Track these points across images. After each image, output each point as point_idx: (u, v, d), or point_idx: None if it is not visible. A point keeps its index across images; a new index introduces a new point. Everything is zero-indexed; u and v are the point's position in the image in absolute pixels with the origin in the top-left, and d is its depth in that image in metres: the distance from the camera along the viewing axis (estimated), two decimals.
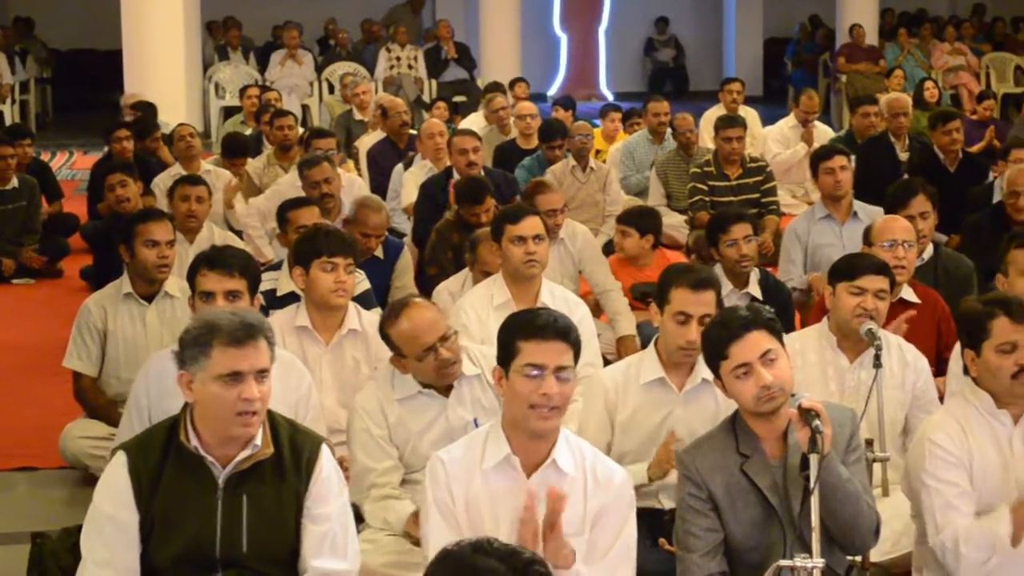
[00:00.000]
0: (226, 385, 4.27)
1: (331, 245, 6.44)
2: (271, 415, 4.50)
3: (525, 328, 4.38)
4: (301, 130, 13.79)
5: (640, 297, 8.60)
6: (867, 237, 7.08)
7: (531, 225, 6.91)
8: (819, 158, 9.09)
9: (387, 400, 5.60)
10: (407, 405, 5.59)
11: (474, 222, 8.70)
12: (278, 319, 6.53)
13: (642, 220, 9.18)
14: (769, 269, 8.10)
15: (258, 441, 4.40)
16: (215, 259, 5.88)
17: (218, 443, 4.38)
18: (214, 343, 4.28)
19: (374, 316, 6.75)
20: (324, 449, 4.55)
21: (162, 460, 4.39)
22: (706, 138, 13.78)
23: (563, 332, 4.36)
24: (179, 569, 4.38)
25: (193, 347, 4.31)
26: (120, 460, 4.40)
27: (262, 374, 4.35)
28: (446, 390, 5.61)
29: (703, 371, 5.62)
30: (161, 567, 4.38)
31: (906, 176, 10.83)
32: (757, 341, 4.55)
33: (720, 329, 4.63)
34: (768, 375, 4.51)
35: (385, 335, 5.61)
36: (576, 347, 4.40)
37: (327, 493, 4.50)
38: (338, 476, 4.58)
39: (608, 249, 9.80)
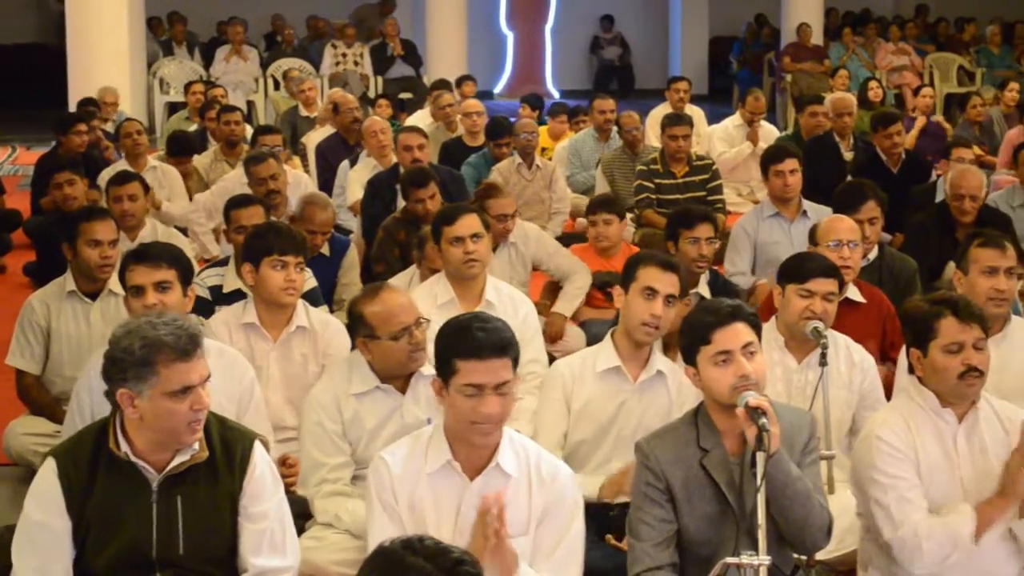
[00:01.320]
0: (178, 399, 4.24)
1: (283, 243, 6.39)
2: None
3: (461, 347, 4.33)
4: (248, 128, 13.74)
5: (601, 287, 8.62)
6: (812, 237, 7.11)
7: (467, 224, 6.86)
8: (770, 160, 9.11)
9: (343, 394, 5.57)
10: (363, 400, 5.57)
11: (420, 211, 8.73)
12: (224, 315, 6.51)
13: (615, 206, 9.15)
14: (715, 268, 8.10)
15: (195, 447, 4.38)
16: (141, 253, 5.88)
17: (153, 450, 4.35)
18: (160, 359, 4.23)
19: (322, 313, 6.77)
20: (257, 446, 4.53)
21: (93, 465, 4.36)
22: (652, 136, 13.80)
23: (500, 348, 4.33)
24: (116, 573, 4.36)
25: (137, 366, 4.23)
26: (50, 466, 4.37)
27: (207, 381, 4.34)
28: (403, 386, 5.59)
29: (658, 363, 5.71)
30: (98, 572, 4.35)
31: (850, 176, 10.91)
32: (741, 332, 4.58)
33: (707, 314, 4.63)
34: (748, 365, 4.53)
35: (358, 315, 5.56)
36: (516, 356, 4.38)
37: (262, 491, 4.48)
38: (272, 473, 4.56)
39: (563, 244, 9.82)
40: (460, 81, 17.06)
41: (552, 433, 5.69)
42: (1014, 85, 15.98)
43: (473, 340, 4.31)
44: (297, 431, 6.16)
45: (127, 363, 4.24)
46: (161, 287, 5.75)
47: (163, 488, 4.37)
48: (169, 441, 4.33)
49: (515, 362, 4.38)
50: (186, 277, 5.91)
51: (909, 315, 5.01)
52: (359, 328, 5.55)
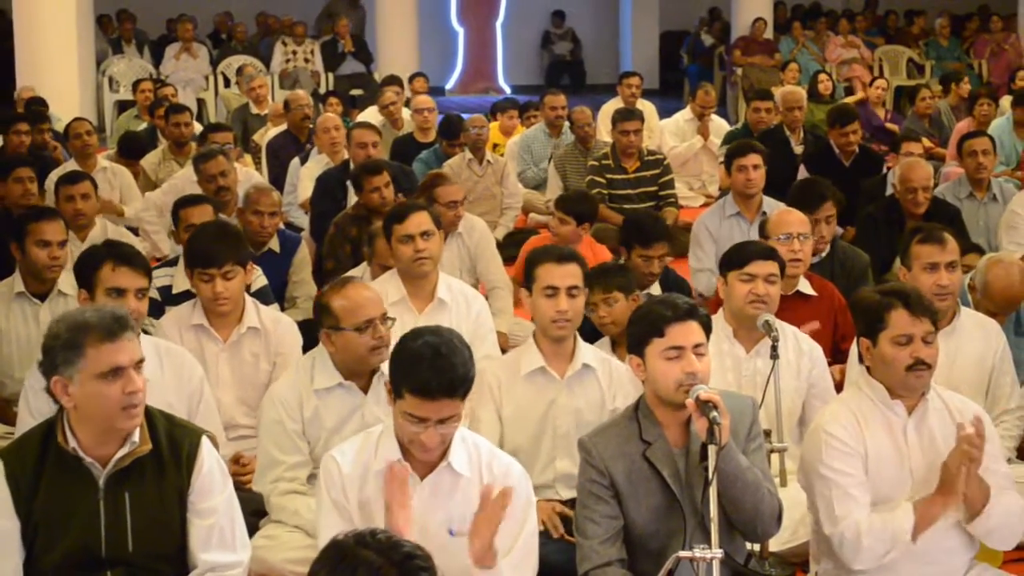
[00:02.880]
0: (108, 381, 4.22)
1: (205, 257, 6.32)
2: (147, 410, 4.46)
3: (412, 380, 4.28)
4: (198, 126, 13.68)
5: None
6: (763, 231, 7.15)
7: (418, 222, 6.83)
8: (734, 154, 9.10)
9: (305, 391, 5.54)
10: (325, 398, 5.54)
11: (376, 200, 8.75)
12: (174, 316, 6.48)
13: (580, 206, 9.06)
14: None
15: (136, 438, 4.36)
16: (128, 255, 5.83)
17: (97, 443, 4.33)
18: (87, 342, 4.21)
19: (274, 311, 6.73)
20: (204, 442, 4.51)
21: (40, 464, 4.34)
22: (604, 132, 13.81)
23: (450, 390, 4.28)
24: (66, 572, 4.34)
25: (65, 350, 4.23)
26: None
27: (139, 365, 4.31)
28: (365, 386, 5.57)
29: (583, 356, 5.70)
30: (47, 571, 4.33)
31: (802, 168, 10.94)
32: (695, 330, 4.59)
33: (663, 307, 4.63)
34: (697, 364, 4.53)
35: (325, 305, 5.52)
36: (467, 391, 4.34)
37: (210, 487, 4.47)
38: (221, 469, 4.55)
39: (510, 240, 9.83)
40: (412, 78, 17.02)
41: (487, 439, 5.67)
42: (965, 79, 16.11)
43: (423, 379, 4.26)
44: (249, 430, 6.15)
45: (56, 349, 4.24)
46: (140, 293, 5.76)
47: (110, 485, 4.35)
48: (108, 429, 4.30)
49: (465, 394, 4.35)
50: (149, 284, 5.94)
51: (860, 305, 5.03)
52: (324, 319, 5.52)
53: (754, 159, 8.93)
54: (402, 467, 4.34)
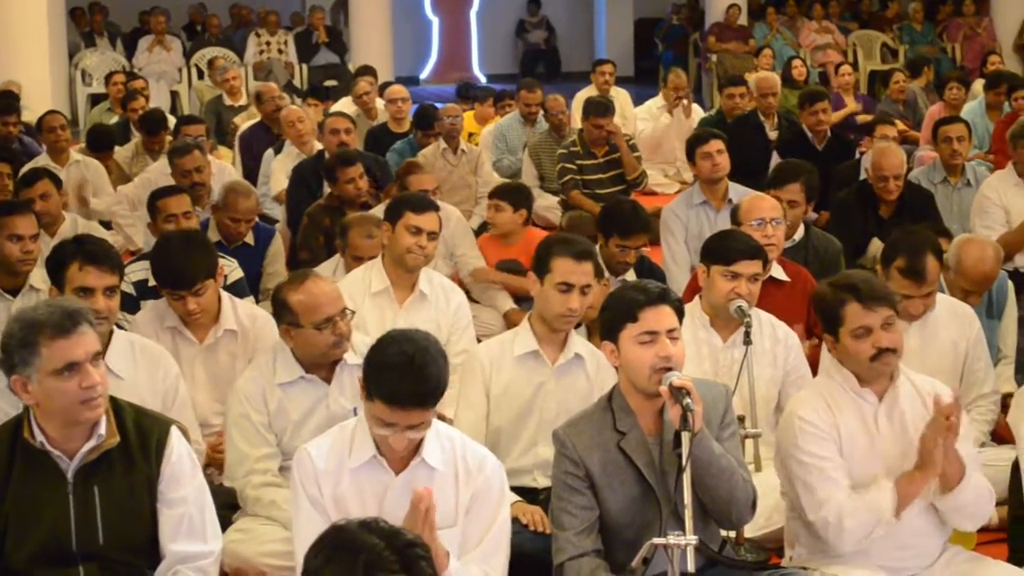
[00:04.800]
0: (65, 377, 4.20)
1: (174, 279, 6.19)
2: (115, 402, 4.45)
3: (383, 388, 4.26)
4: (172, 118, 13.65)
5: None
6: (735, 217, 7.13)
7: (431, 220, 6.87)
8: (695, 143, 9.09)
9: (269, 385, 5.53)
10: (288, 390, 5.52)
11: (351, 191, 8.77)
12: (147, 316, 6.42)
13: (515, 195, 9.14)
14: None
15: (102, 431, 4.35)
16: (95, 253, 5.77)
17: (63, 436, 4.32)
18: (40, 339, 4.20)
19: (250, 306, 6.66)
20: (173, 431, 4.50)
21: (8, 460, 4.34)
22: (578, 119, 13.79)
23: (422, 400, 4.26)
24: (37, 567, 4.33)
25: (20, 349, 4.22)
26: None
27: (96, 358, 4.29)
28: (328, 376, 5.56)
29: (576, 346, 5.71)
30: (19, 567, 4.32)
31: (775, 154, 10.96)
32: (668, 315, 4.57)
33: (636, 292, 4.62)
34: (671, 348, 4.52)
35: (283, 302, 5.50)
36: (437, 400, 4.32)
37: (180, 476, 4.46)
38: (190, 458, 4.54)
39: (485, 229, 9.81)
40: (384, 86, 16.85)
41: (472, 417, 5.66)
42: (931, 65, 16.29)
43: (394, 388, 4.24)
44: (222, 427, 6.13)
45: (12, 348, 4.24)
46: (110, 292, 5.72)
47: (79, 478, 4.34)
48: (70, 422, 4.29)
49: (436, 402, 4.32)
50: (121, 279, 5.90)
51: (817, 303, 5.05)
52: (283, 315, 5.50)
53: (716, 144, 8.92)
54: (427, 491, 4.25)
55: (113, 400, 4.45)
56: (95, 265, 5.71)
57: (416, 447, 4.42)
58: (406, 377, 4.23)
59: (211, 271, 6.29)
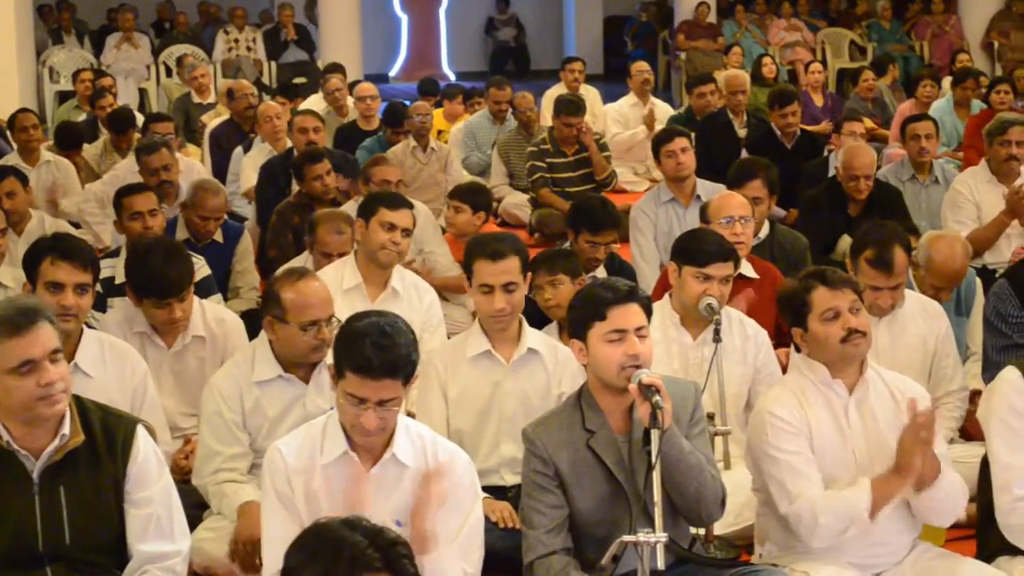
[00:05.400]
0: (22, 375, 4.18)
1: (162, 289, 6.15)
2: (80, 402, 4.44)
3: (354, 358, 4.25)
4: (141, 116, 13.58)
5: None
6: (704, 215, 7.15)
7: (405, 217, 6.88)
8: (660, 141, 9.10)
9: (246, 383, 5.52)
10: (265, 388, 5.52)
11: (319, 188, 8.77)
12: (115, 319, 6.38)
13: (475, 197, 9.13)
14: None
15: (66, 430, 4.33)
16: (69, 250, 5.76)
17: (26, 434, 4.30)
18: None
19: (218, 309, 6.61)
20: (140, 431, 4.48)
21: None
22: (547, 117, 13.79)
23: (392, 370, 4.25)
24: (4, 569, 4.31)
25: None
26: None
27: (55, 355, 4.26)
28: (306, 376, 5.55)
29: (529, 341, 5.71)
30: None
31: (744, 151, 10.97)
32: (637, 313, 4.58)
33: (604, 290, 4.62)
34: (639, 346, 4.52)
35: (275, 294, 5.48)
36: (409, 374, 4.32)
37: (146, 476, 4.45)
38: (157, 457, 4.52)
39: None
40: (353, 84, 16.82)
41: (432, 423, 5.62)
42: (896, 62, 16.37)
43: (364, 356, 4.23)
44: (192, 429, 6.11)
45: None
46: (80, 289, 5.69)
47: (44, 478, 4.32)
48: (30, 420, 4.27)
49: (407, 379, 4.32)
50: (96, 279, 5.87)
51: (783, 297, 5.08)
52: (272, 307, 5.49)
53: (680, 142, 8.94)
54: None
55: (79, 399, 4.44)
56: (67, 261, 5.69)
57: (386, 443, 4.41)
58: (378, 345, 4.23)
59: (193, 275, 6.32)
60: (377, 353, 4.23)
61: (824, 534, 4.73)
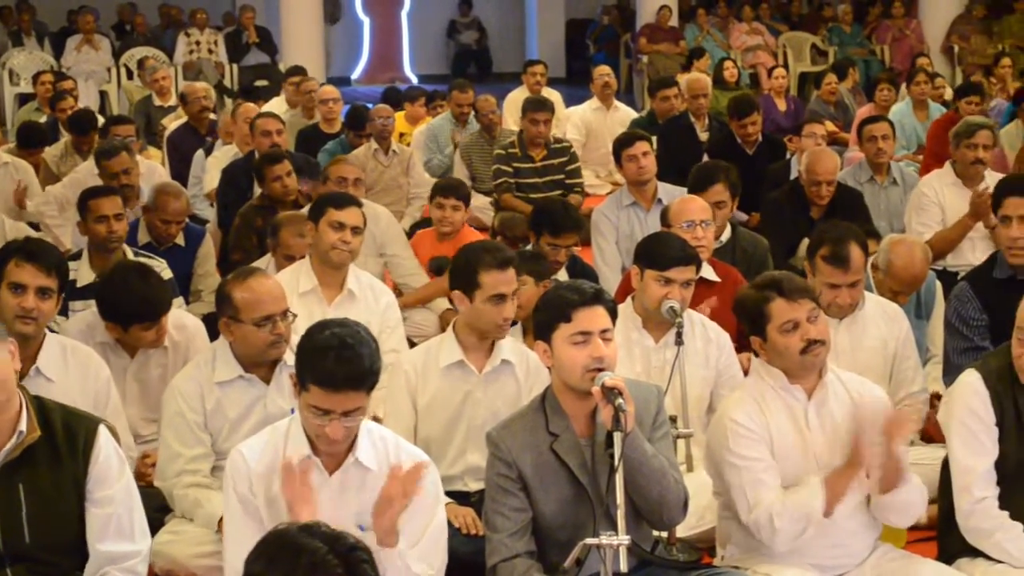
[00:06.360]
0: None
1: (145, 314, 6.12)
2: (40, 400, 4.45)
3: (317, 372, 4.24)
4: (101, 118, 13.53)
5: (437, 271, 8.60)
6: (665, 219, 7.16)
7: (354, 215, 6.88)
8: (621, 145, 9.11)
9: (207, 384, 5.51)
10: (226, 389, 5.51)
11: (279, 189, 8.78)
12: (77, 328, 6.34)
13: (464, 192, 9.08)
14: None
15: (23, 427, 4.33)
16: (35, 253, 5.74)
17: None
18: None
19: (179, 316, 6.55)
20: (102, 430, 4.48)
21: None
22: (510, 120, 13.81)
23: (356, 381, 4.25)
24: None
25: None
26: None
27: (41, 292, 4.30)
28: (267, 376, 5.54)
29: (503, 352, 5.70)
30: None
31: (706, 156, 10.99)
32: (602, 315, 4.57)
33: (570, 292, 4.61)
34: (604, 349, 4.52)
35: (227, 295, 5.47)
36: (372, 385, 4.31)
37: (107, 475, 4.44)
38: (118, 457, 4.52)
39: (417, 230, 9.81)
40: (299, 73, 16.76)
41: (400, 428, 5.61)
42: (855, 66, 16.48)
43: (328, 370, 4.23)
44: (152, 435, 6.10)
45: None
46: (43, 292, 5.65)
47: (3, 476, 4.32)
48: None
49: (371, 388, 4.32)
50: (63, 286, 5.82)
51: (741, 305, 5.07)
52: (225, 308, 5.48)
53: (642, 147, 8.95)
54: (305, 462, 4.31)
55: (39, 399, 4.45)
56: (32, 263, 5.67)
57: (349, 447, 4.41)
58: (340, 358, 4.22)
59: (171, 295, 6.34)
60: (340, 366, 4.22)
61: (784, 538, 4.75)
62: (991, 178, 8.81)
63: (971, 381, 4.93)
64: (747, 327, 5.02)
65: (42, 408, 4.42)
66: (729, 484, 4.87)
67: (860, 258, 6.16)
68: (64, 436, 4.41)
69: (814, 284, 6.01)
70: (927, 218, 8.86)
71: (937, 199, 8.93)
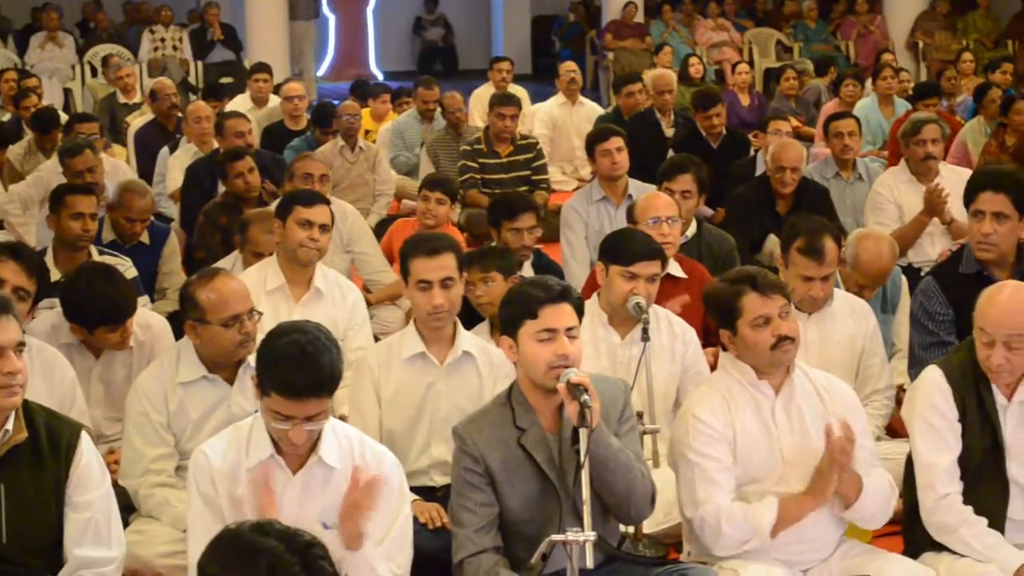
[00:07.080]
0: None
1: (113, 315, 6.05)
2: (26, 403, 4.43)
3: (278, 379, 4.23)
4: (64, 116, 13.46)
5: None
6: (631, 215, 7.17)
7: (322, 213, 6.86)
8: (595, 140, 9.11)
9: (170, 384, 5.49)
10: (190, 390, 5.49)
11: (241, 186, 8.77)
12: (42, 328, 6.30)
13: (451, 187, 9.08)
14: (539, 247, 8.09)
15: (9, 427, 4.33)
16: (21, 253, 5.81)
17: None
18: None
19: (144, 316, 6.49)
20: (84, 436, 4.49)
21: None
22: (476, 117, 13.80)
23: (316, 389, 4.24)
24: None
25: None
26: None
27: (20, 347, 4.29)
28: (231, 377, 5.53)
29: (464, 344, 5.71)
30: None
31: (671, 152, 11.01)
32: (568, 313, 4.58)
33: (537, 289, 4.61)
34: (569, 346, 4.52)
35: (191, 297, 5.45)
36: (333, 389, 4.31)
37: (88, 480, 4.45)
38: (99, 463, 4.52)
39: (383, 227, 9.81)
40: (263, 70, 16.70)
41: (364, 423, 5.61)
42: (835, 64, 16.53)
43: (288, 378, 4.22)
44: (116, 434, 6.07)
45: None
46: (18, 293, 5.67)
47: None
48: None
49: (333, 391, 4.31)
50: (38, 294, 5.86)
51: (711, 298, 5.06)
52: (190, 310, 5.46)
53: (616, 142, 8.95)
54: (264, 466, 4.32)
55: (24, 401, 4.44)
56: (15, 261, 5.72)
57: (313, 446, 4.40)
58: (301, 366, 4.21)
59: (136, 297, 6.30)
60: (301, 375, 4.22)
61: (726, 542, 4.76)
62: (952, 174, 8.86)
63: (933, 377, 4.95)
64: (717, 321, 5.02)
65: (27, 409, 4.42)
66: (681, 477, 4.88)
67: (834, 251, 6.19)
68: (47, 438, 4.41)
69: (787, 278, 6.03)
70: (884, 217, 8.89)
71: (893, 197, 8.97)
